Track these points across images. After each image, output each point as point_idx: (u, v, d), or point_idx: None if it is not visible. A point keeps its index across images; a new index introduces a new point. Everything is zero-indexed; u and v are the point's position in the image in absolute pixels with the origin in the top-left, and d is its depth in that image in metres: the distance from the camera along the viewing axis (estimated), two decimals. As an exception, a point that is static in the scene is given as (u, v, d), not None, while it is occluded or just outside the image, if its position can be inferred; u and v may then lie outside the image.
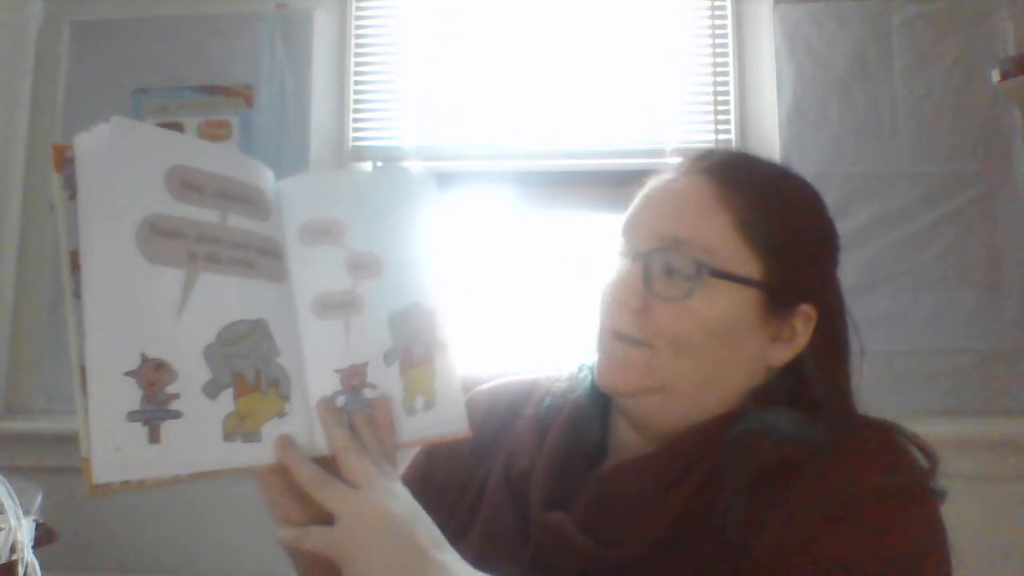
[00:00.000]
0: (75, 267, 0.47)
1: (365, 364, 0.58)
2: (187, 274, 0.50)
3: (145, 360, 0.48)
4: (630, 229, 0.64)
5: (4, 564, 1.25)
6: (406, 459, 0.77)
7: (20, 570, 1.28)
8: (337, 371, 0.57)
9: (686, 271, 0.59)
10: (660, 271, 0.60)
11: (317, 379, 0.56)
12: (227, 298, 0.52)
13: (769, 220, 0.61)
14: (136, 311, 0.48)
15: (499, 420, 0.73)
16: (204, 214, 0.52)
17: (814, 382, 0.61)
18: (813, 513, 0.53)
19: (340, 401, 0.57)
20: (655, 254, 0.61)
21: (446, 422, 0.62)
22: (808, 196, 0.67)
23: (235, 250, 0.53)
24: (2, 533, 1.26)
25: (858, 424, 0.60)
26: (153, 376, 0.48)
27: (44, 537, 1.40)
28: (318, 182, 0.61)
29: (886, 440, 0.58)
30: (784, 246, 0.62)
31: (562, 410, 0.69)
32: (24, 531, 1.32)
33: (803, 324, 0.62)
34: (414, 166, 0.70)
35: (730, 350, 0.61)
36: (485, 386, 0.78)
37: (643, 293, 0.60)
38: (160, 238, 0.49)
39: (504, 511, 0.65)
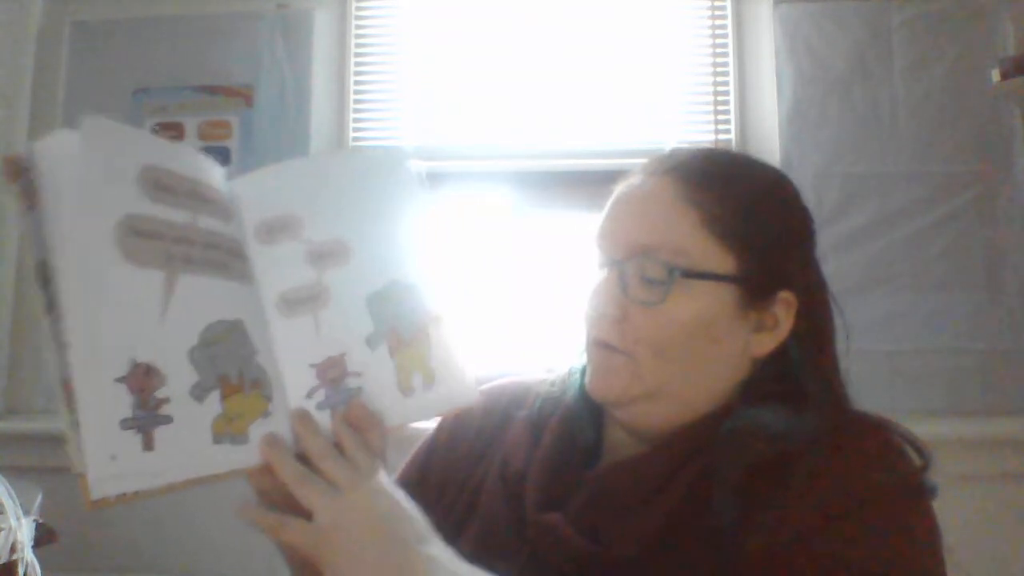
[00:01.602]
0: (45, 280, 0.46)
1: (343, 354, 0.56)
2: (167, 275, 0.49)
3: (135, 365, 0.46)
4: (602, 239, 0.64)
5: (4, 564, 1.25)
6: (417, 440, 0.77)
7: (20, 570, 1.28)
8: (312, 366, 0.55)
9: (659, 276, 0.59)
10: (635, 278, 0.61)
11: (292, 377, 0.55)
12: (205, 299, 0.51)
13: (736, 213, 0.61)
14: (121, 315, 0.46)
15: (495, 421, 0.74)
16: (177, 215, 0.51)
17: (800, 367, 0.62)
18: (812, 510, 0.53)
19: (320, 395, 0.55)
20: (628, 262, 0.61)
21: (451, 396, 0.60)
22: (775, 183, 0.66)
23: (208, 251, 0.52)
24: (2, 533, 1.26)
25: (852, 419, 0.60)
26: (144, 381, 0.46)
27: (44, 537, 1.40)
28: (268, 177, 0.59)
29: (883, 438, 0.58)
30: (755, 236, 0.61)
31: (555, 412, 0.69)
32: (24, 531, 1.32)
33: (784, 311, 0.62)
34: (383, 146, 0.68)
35: (714, 347, 0.61)
36: (482, 388, 0.78)
37: (621, 301, 0.61)
38: (139, 239, 0.48)
39: (499, 512, 0.65)
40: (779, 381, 0.62)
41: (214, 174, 0.56)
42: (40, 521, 1.40)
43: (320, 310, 0.56)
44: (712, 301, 0.60)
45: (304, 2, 1.96)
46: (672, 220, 0.60)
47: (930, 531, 0.55)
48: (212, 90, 1.93)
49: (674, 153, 0.66)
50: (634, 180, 0.66)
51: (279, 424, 0.53)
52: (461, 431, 0.75)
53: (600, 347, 0.62)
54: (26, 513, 1.36)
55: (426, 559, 0.51)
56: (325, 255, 0.57)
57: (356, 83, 1.96)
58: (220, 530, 1.74)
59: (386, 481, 0.54)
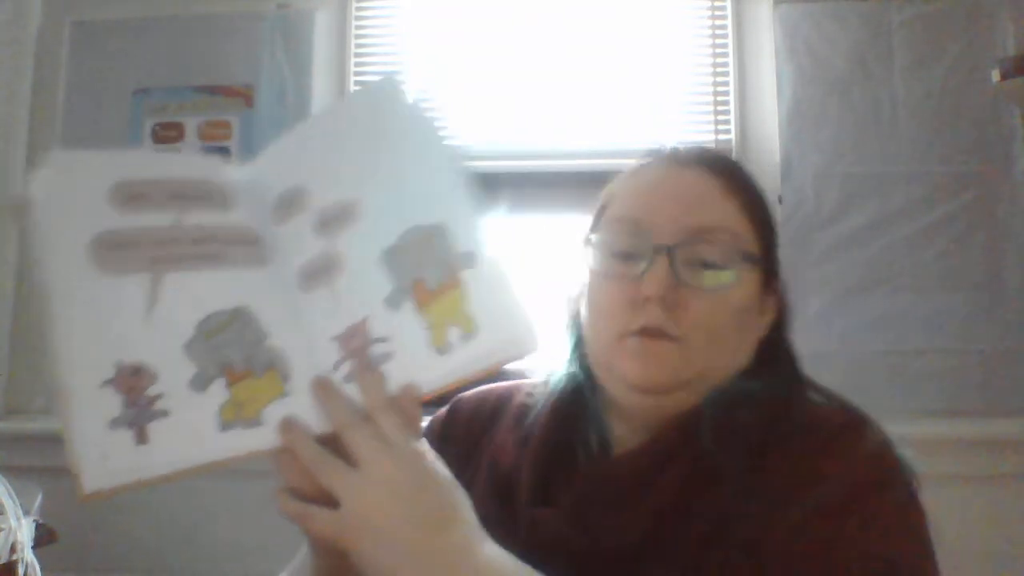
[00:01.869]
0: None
1: (364, 320, 0.53)
2: (152, 277, 0.50)
3: (121, 367, 0.48)
4: (639, 227, 0.63)
5: (4, 564, 1.25)
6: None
7: (20, 570, 1.28)
8: (334, 338, 0.53)
9: (718, 259, 0.61)
10: (686, 263, 0.61)
11: (317, 353, 0.53)
12: (199, 292, 0.51)
13: (758, 203, 0.66)
14: (102, 323, 0.48)
15: (482, 423, 0.74)
16: (157, 219, 0.52)
17: (777, 345, 0.66)
18: (815, 506, 0.53)
19: (346, 367, 0.53)
20: (683, 247, 0.61)
21: (501, 344, 0.52)
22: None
23: (198, 245, 0.52)
24: (2, 533, 1.26)
25: (843, 414, 0.61)
26: (132, 381, 0.48)
27: (44, 537, 1.40)
28: (268, 157, 0.58)
29: (871, 431, 0.58)
30: (768, 225, 0.66)
31: (543, 411, 0.69)
32: (24, 531, 1.32)
33: (774, 295, 0.67)
34: (370, 82, 0.62)
35: (748, 330, 0.64)
36: (468, 392, 0.78)
37: (674, 287, 0.60)
38: (114, 251, 0.50)
39: (490, 510, 0.64)
40: (759, 364, 0.66)
41: (209, 169, 0.56)
42: (40, 521, 1.41)
43: (335, 279, 0.54)
44: (753, 284, 0.63)
45: (304, 2, 1.96)
46: (724, 206, 0.63)
47: (927, 532, 0.55)
48: (212, 90, 1.93)
49: (690, 148, 0.69)
50: (660, 171, 0.66)
51: (300, 405, 0.52)
52: (450, 433, 0.75)
53: (646, 335, 0.60)
54: (26, 513, 1.36)
55: (452, 548, 0.49)
56: (332, 220, 0.55)
57: (356, 83, 1.96)
58: (220, 530, 1.75)
59: (417, 452, 0.51)
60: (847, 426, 0.58)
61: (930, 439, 1.65)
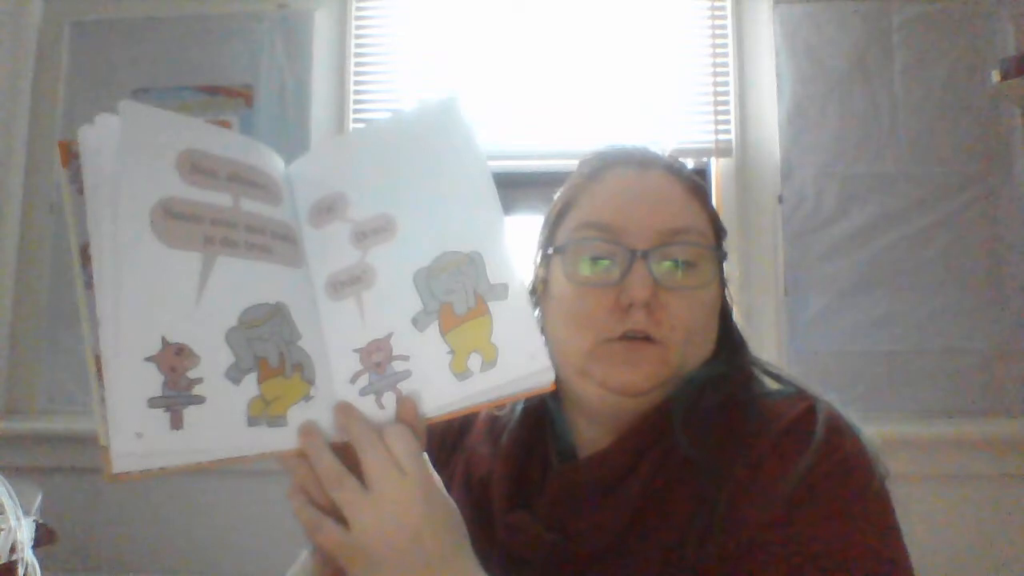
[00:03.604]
0: (86, 261, 0.47)
1: (388, 336, 0.54)
2: (204, 257, 0.49)
3: (166, 344, 0.46)
4: (613, 231, 0.63)
5: (4, 564, 1.25)
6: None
7: (20, 570, 1.28)
8: (356, 350, 0.53)
9: (692, 259, 0.62)
10: (661, 264, 0.61)
11: (337, 362, 0.54)
12: (246, 281, 0.51)
13: (708, 199, 0.68)
14: (154, 295, 0.47)
15: (455, 432, 0.74)
16: (217, 198, 0.51)
17: (729, 330, 0.68)
18: (787, 496, 0.53)
19: (364, 380, 0.53)
20: (657, 250, 0.61)
21: (517, 378, 0.52)
22: None
23: (250, 234, 0.52)
24: (2, 533, 1.26)
25: (793, 396, 0.62)
26: (175, 361, 0.46)
27: (44, 537, 1.40)
28: (318, 157, 0.59)
29: (830, 416, 0.58)
30: (718, 219, 0.68)
31: (512, 418, 0.69)
32: (24, 531, 1.32)
33: (723, 285, 0.68)
34: (429, 99, 0.60)
35: (714, 323, 0.65)
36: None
37: (655, 289, 0.60)
38: (175, 221, 0.49)
39: (467, 518, 0.65)
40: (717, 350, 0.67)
41: (265, 158, 0.56)
42: (40, 521, 1.41)
43: (364, 291, 0.55)
44: (719, 278, 0.65)
45: (304, 2, 1.96)
46: (689, 206, 0.65)
47: (890, 507, 0.56)
48: (212, 90, 1.93)
49: (641, 149, 0.70)
50: (625, 174, 0.66)
51: (320, 410, 0.52)
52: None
53: (628, 339, 0.60)
54: (26, 513, 1.36)
55: None
56: (368, 233, 0.56)
57: (356, 83, 1.96)
58: (220, 530, 1.75)
59: (426, 479, 0.51)
60: (809, 411, 0.58)
61: (930, 439, 1.65)
